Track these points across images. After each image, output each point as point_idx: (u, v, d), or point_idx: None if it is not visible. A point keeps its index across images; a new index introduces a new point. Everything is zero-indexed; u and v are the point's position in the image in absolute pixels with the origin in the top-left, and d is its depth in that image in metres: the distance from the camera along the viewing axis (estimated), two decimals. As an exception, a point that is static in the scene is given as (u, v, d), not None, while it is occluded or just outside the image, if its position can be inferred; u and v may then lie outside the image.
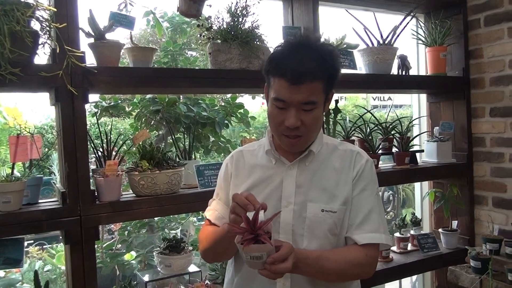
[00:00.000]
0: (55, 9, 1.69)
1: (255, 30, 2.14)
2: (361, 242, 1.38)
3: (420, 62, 3.19)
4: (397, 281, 3.47)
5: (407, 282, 3.64)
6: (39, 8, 1.68)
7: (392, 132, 2.73)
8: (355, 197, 1.42)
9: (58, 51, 1.70)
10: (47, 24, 1.70)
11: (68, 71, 1.71)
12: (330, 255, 1.35)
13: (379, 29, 2.62)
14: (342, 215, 1.40)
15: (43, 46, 1.71)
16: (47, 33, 1.71)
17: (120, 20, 1.97)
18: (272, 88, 1.34)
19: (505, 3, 2.65)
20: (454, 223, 2.86)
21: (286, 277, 1.35)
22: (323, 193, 1.41)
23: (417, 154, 2.85)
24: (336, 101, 2.52)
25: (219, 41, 2.13)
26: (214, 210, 1.52)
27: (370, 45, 2.61)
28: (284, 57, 1.32)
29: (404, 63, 2.72)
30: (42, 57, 1.76)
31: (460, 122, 2.91)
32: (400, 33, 2.64)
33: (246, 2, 2.14)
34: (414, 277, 3.45)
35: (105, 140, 2.09)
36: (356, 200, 1.42)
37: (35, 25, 1.69)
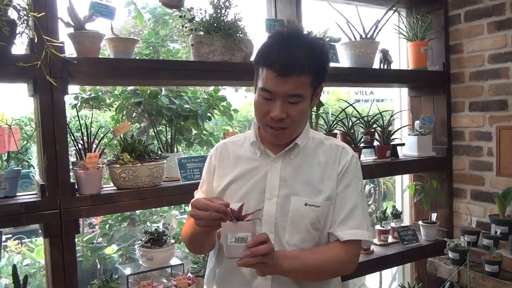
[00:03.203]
0: (33, -2, 1.65)
1: (238, 22, 2.13)
2: (343, 238, 1.38)
3: (402, 57, 3.21)
4: (378, 273, 3.53)
5: (387, 273, 3.70)
6: (16, -4, 1.64)
7: (374, 126, 2.75)
8: (339, 193, 1.42)
9: (36, 41, 1.65)
10: (25, 13, 1.66)
11: (47, 61, 1.68)
12: (310, 253, 1.36)
13: (361, 23, 2.63)
14: (325, 210, 1.40)
15: (21, 35, 1.67)
16: (25, 22, 1.67)
17: (101, 10, 1.93)
18: (260, 78, 1.34)
19: (485, -1, 2.69)
20: (434, 216, 2.91)
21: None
22: (307, 187, 1.41)
23: (398, 148, 2.88)
24: (319, 95, 2.53)
25: (201, 32, 2.11)
26: None
27: (353, 39, 2.62)
28: (273, 48, 1.31)
29: (386, 57, 2.74)
30: (19, 46, 1.72)
31: (440, 116, 2.95)
32: (382, 27, 2.65)
33: (229, -7, 2.12)
34: (394, 269, 3.50)
35: (86, 132, 2.06)
36: (340, 196, 1.42)
37: (12, 14, 1.65)
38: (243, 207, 1.24)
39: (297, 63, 1.27)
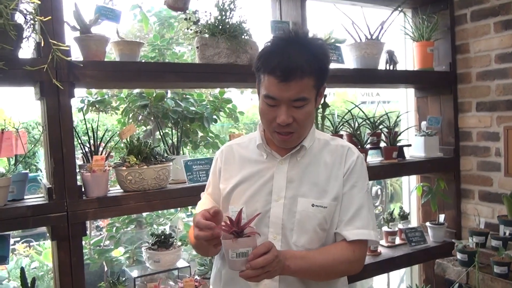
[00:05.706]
0: (39, 2, 1.66)
1: (243, 24, 2.13)
2: (350, 238, 1.38)
3: (408, 57, 3.20)
4: (385, 275, 3.51)
5: (395, 275, 3.68)
6: (23, 1, 1.65)
7: (380, 127, 2.74)
8: (345, 193, 1.43)
9: (42, 45, 1.67)
10: (31, 17, 1.67)
11: (53, 65, 1.69)
12: (317, 254, 1.36)
13: (366, 24, 2.62)
14: (332, 211, 1.40)
15: (27, 39, 1.69)
16: (31, 26, 1.68)
17: (106, 13, 1.94)
18: (262, 85, 1.34)
19: (491, -2, 2.68)
20: (441, 217, 2.89)
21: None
22: (314, 188, 1.41)
23: (405, 149, 2.87)
24: (325, 96, 2.52)
25: (206, 35, 2.12)
26: (203, 205, 1.53)
27: (358, 40, 2.61)
28: (273, 54, 1.31)
29: (391, 58, 2.73)
30: (26, 50, 1.73)
31: (447, 116, 2.93)
32: (387, 28, 2.65)
33: (233, -5, 2.12)
34: (402, 270, 3.48)
35: (92, 135, 2.07)
36: (347, 196, 1.42)
37: (19, 18, 1.67)
38: (242, 211, 1.25)
39: (298, 67, 1.27)
